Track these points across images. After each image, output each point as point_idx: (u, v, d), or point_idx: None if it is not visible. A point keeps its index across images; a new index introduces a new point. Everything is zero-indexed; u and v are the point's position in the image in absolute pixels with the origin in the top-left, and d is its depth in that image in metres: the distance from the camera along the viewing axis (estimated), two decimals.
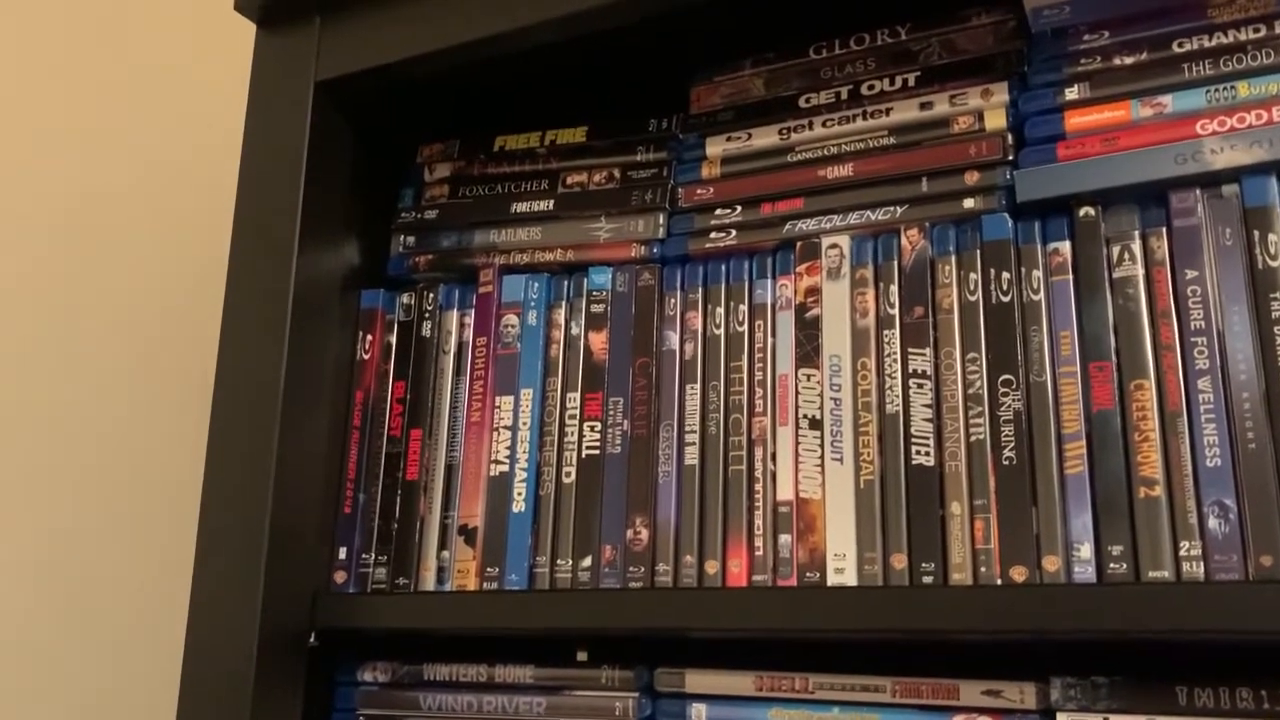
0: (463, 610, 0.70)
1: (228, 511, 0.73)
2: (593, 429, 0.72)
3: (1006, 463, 0.61)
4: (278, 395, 0.74)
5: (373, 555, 0.75)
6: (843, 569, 0.63)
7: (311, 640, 0.73)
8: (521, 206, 0.80)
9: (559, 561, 0.71)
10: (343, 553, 0.76)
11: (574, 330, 0.75)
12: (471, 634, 0.72)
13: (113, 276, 1.16)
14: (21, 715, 1.05)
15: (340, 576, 0.75)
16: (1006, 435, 0.61)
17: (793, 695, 0.64)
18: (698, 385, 0.71)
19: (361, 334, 0.80)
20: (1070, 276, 0.63)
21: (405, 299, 0.80)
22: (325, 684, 0.75)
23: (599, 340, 0.74)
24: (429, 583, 0.73)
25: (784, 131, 0.73)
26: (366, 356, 0.80)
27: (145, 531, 1.09)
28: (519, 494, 0.73)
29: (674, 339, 0.72)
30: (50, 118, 1.24)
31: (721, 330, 0.71)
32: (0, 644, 1.06)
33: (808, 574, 0.64)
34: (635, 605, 0.65)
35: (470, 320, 0.78)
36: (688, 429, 0.70)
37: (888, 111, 0.70)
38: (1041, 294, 0.63)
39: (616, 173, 0.78)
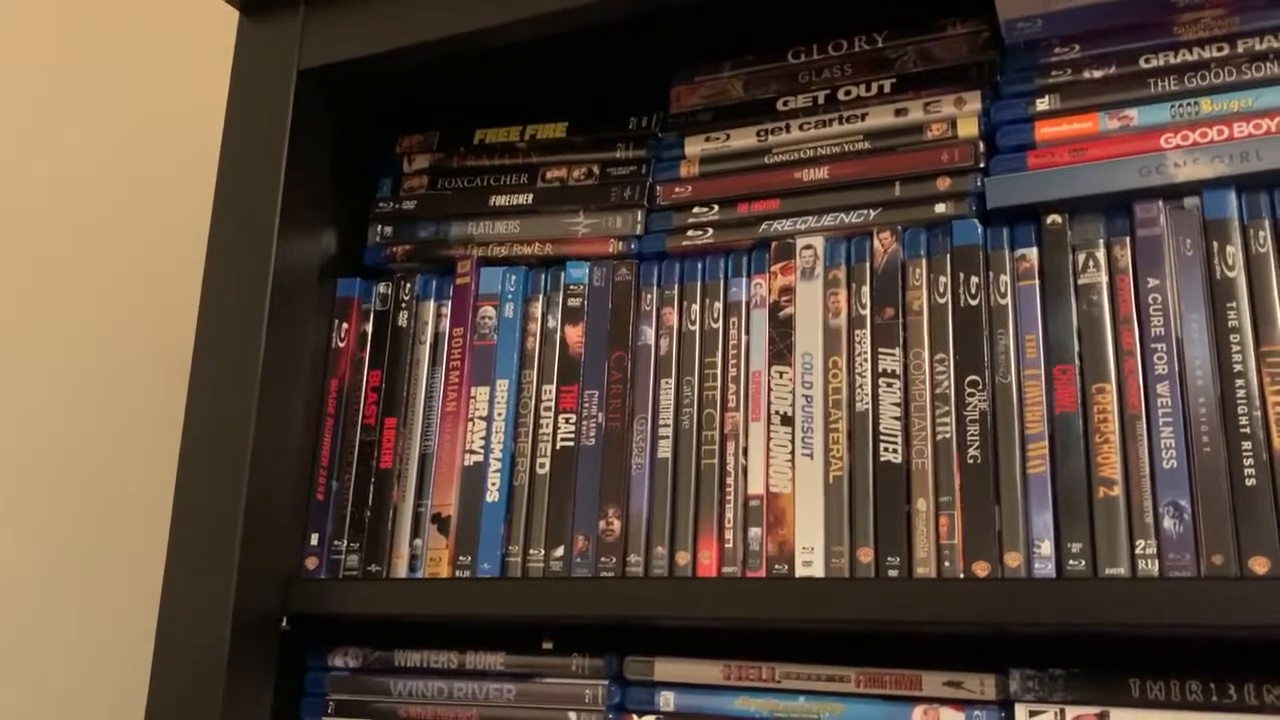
0: (434, 597, 0.70)
1: (201, 496, 0.73)
2: (567, 421, 0.73)
3: (971, 461, 0.63)
4: (254, 382, 0.74)
5: (344, 542, 0.76)
6: (810, 561, 0.65)
7: (283, 625, 0.74)
8: (500, 200, 0.80)
9: (531, 551, 0.72)
10: (314, 539, 0.76)
11: (550, 323, 0.76)
12: (443, 620, 0.73)
13: (90, 263, 1.16)
14: None
15: (312, 563, 0.76)
16: (972, 435, 0.63)
17: (760, 684, 0.66)
18: (672, 380, 0.72)
19: (337, 322, 0.81)
20: (1037, 282, 0.65)
21: (382, 288, 0.81)
22: (296, 669, 0.76)
23: (575, 334, 0.75)
24: (401, 570, 0.74)
25: (762, 133, 0.74)
26: (342, 345, 0.80)
27: (118, 516, 1.08)
28: (493, 484, 0.74)
29: (649, 334, 0.73)
30: (29, 104, 1.23)
31: (696, 326, 0.72)
32: None
33: (776, 566, 0.66)
34: (606, 593, 0.66)
35: (447, 311, 0.79)
36: (661, 423, 0.71)
37: (863, 116, 0.72)
38: (1008, 298, 0.65)
39: (596, 169, 0.79)
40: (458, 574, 0.72)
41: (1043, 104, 0.67)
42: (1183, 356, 0.60)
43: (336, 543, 0.76)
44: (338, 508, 0.77)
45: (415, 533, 0.75)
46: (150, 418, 1.09)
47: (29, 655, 1.05)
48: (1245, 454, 0.57)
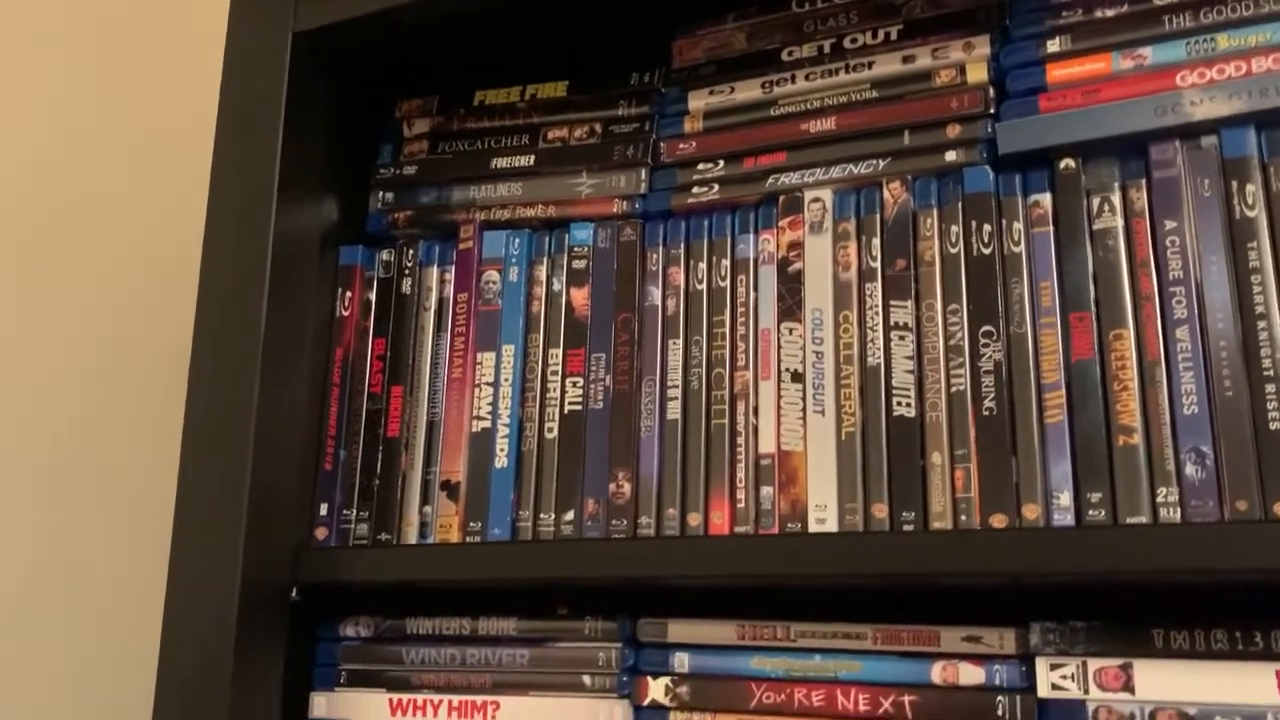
0: (445, 562, 0.70)
1: (208, 468, 0.72)
2: (575, 385, 0.72)
3: (987, 413, 0.62)
4: (257, 352, 0.73)
5: (354, 511, 0.75)
6: (824, 519, 0.64)
7: (293, 595, 0.73)
8: (502, 162, 0.79)
9: (542, 516, 0.71)
10: (323, 509, 0.76)
11: (555, 286, 0.75)
12: (454, 586, 0.72)
13: (86, 234, 1.15)
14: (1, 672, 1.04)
15: (321, 533, 0.75)
16: (987, 386, 0.62)
17: (775, 643, 0.65)
18: (680, 340, 0.71)
19: (340, 291, 0.80)
20: (1051, 228, 0.63)
21: (385, 255, 0.80)
22: (307, 639, 0.75)
23: (580, 296, 0.74)
24: (411, 538, 0.73)
25: (766, 85, 0.73)
26: (346, 313, 0.79)
27: (123, 490, 1.08)
28: (501, 449, 0.73)
29: (656, 294, 0.72)
30: (19, 69, 1.22)
31: (704, 285, 0.71)
32: None
33: (789, 525, 0.64)
34: (618, 554, 0.65)
35: (451, 276, 0.78)
36: (670, 384, 0.70)
37: (870, 65, 0.70)
38: (1022, 246, 0.63)
39: (598, 127, 0.77)
40: (468, 540, 0.71)
41: (1054, 45, 0.65)
42: (1202, 300, 0.59)
43: (346, 512, 0.75)
44: (346, 477, 0.76)
45: (425, 500, 0.74)
46: (154, 391, 1.08)
47: (36, 630, 1.05)
48: (1269, 397, 0.56)
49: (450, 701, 0.71)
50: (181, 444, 0.74)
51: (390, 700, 0.72)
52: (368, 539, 0.74)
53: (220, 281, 0.76)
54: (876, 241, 0.67)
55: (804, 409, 0.66)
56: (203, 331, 0.75)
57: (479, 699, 0.70)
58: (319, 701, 0.74)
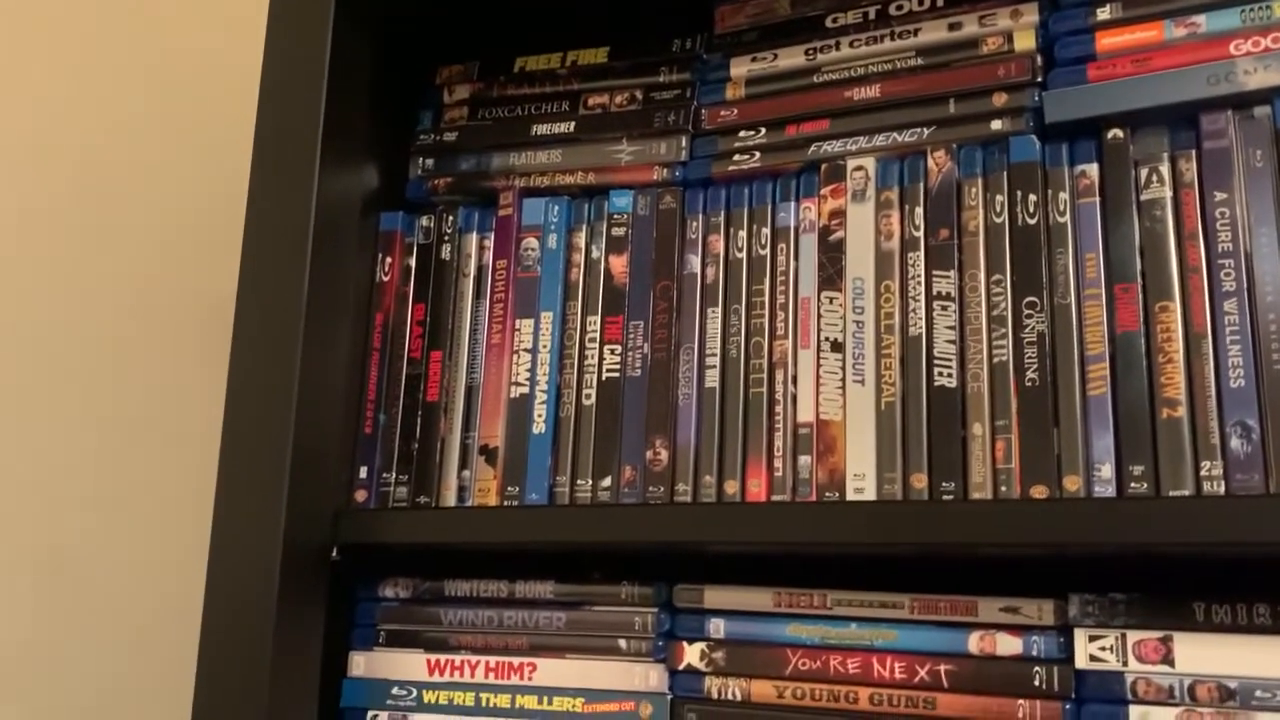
0: (483, 525, 0.70)
1: (250, 431, 0.73)
2: (613, 352, 0.73)
3: (1029, 384, 0.61)
4: (299, 317, 0.73)
5: (393, 475, 0.76)
6: (862, 489, 0.64)
7: (333, 555, 0.74)
8: (542, 128, 0.79)
9: (579, 481, 0.71)
10: (363, 472, 0.76)
11: (594, 253, 0.75)
12: (492, 549, 0.73)
13: (128, 200, 1.16)
14: (49, 630, 1.06)
15: (361, 495, 0.76)
16: (1030, 357, 0.62)
17: (811, 611, 0.65)
18: (719, 308, 0.71)
19: (381, 256, 0.80)
20: (1097, 199, 0.62)
21: (424, 222, 0.80)
22: (347, 600, 0.76)
23: (619, 263, 0.74)
24: (450, 501, 0.74)
25: (810, 52, 0.72)
26: (386, 279, 0.80)
27: (168, 452, 1.09)
28: (539, 415, 0.73)
29: (695, 262, 0.72)
30: (60, 36, 1.23)
31: (743, 253, 0.71)
32: (23, 561, 1.07)
33: (827, 494, 0.65)
34: (656, 519, 0.66)
35: (490, 243, 0.78)
36: (708, 352, 0.70)
37: (916, 32, 0.69)
38: (1068, 216, 0.63)
39: (639, 94, 0.77)
40: (506, 504, 0.72)
41: (1104, 13, 0.64)
42: (1252, 272, 0.58)
43: (385, 475, 0.76)
44: (386, 441, 0.77)
45: (463, 464, 0.75)
46: (197, 354, 1.09)
47: (79, 590, 1.07)
48: None
49: (487, 663, 0.71)
50: (224, 408, 0.74)
51: (428, 660, 0.73)
52: (407, 502, 0.75)
53: (262, 247, 0.76)
54: (920, 210, 0.66)
55: (843, 378, 0.66)
56: (245, 296, 0.76)
57: (516, 660, 0.71)
58: (358, 660, 0.75)
